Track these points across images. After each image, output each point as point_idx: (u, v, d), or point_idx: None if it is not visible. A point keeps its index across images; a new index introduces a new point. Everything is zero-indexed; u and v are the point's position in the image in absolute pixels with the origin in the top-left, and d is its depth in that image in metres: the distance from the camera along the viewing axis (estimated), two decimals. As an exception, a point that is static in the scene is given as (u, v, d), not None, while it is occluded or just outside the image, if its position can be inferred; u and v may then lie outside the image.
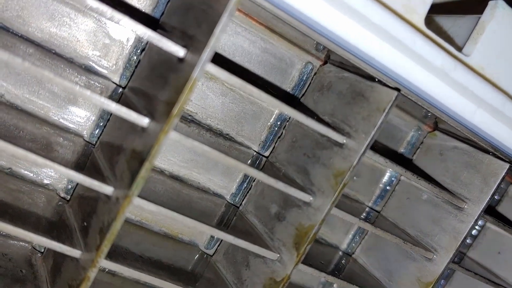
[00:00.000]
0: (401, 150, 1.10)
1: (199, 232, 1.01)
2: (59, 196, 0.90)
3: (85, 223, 0.80)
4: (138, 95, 0.82)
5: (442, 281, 1.19)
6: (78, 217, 0.83)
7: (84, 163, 0.86)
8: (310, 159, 0.88)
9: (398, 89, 0.79)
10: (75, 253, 0.75)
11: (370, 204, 1.11)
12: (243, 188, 1.00)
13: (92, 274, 0.73)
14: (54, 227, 0.86)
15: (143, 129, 0.73)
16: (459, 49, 0.81)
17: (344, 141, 0.83)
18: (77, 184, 0.90)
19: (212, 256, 1.01)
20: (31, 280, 0.84)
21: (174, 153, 0.95)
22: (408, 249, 0.99)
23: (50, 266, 0.85)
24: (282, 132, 0.98)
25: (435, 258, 0.96)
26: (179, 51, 0.70)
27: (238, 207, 1.00)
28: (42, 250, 0.89)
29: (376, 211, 1.11)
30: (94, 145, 0.89)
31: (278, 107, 0.79)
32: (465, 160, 0.98)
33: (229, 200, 1.00)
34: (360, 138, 0.82)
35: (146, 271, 0.80)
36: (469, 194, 0.95)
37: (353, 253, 1.12)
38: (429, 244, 0.97)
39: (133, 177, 0.70)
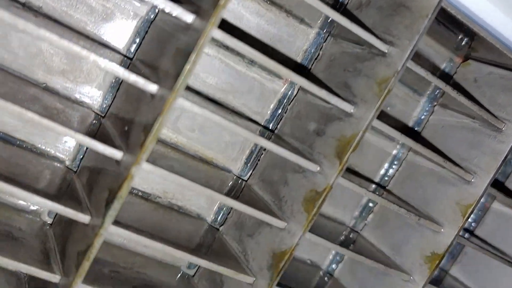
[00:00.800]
0: (432, 85, 1.09)
1: (232, 160, 1.00)
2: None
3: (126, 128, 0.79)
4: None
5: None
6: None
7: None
8: (351, 72, 0.87)
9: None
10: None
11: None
12: (277, 114, 0.99)
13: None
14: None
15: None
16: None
17: (387, 49, 0.82)
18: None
19: (246, 181, 1.00)
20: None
21: (210, 75, 0.94)
22: (446, 174, 0.98)
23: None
24: (318, 54, 0.97)
25: (474, 180, 0.94)
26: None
27: (274, 131, 0.99)
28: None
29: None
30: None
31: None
32: (501, 84, 0.97)
33: (264, 125, 0.99)
34: (403, 45, 0.81)
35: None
36: (508, 115, 0.94)
37: (386, 186, 1.11)
38: (468, 168, 0.96)
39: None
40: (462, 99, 0.89)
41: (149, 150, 0.71)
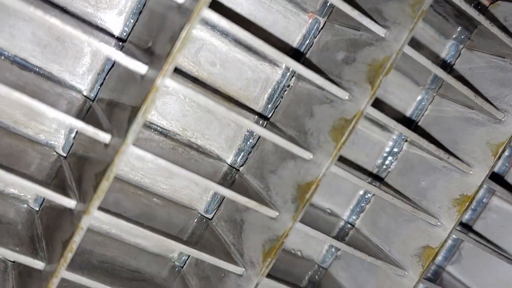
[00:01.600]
0: (458, 29, 1.05)
1: (254, 98, 0.96)
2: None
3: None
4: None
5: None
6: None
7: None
8: (382, -2, 0.84)
9: None
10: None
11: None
12: (302, 48, 0.96)
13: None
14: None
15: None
16: None
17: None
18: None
19: (269, 118, 0.97)
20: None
21: (234, 5, 0.91)
22: (475, 114, 0.95)
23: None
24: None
25: (506, 119, 0.91)
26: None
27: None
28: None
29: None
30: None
31: None
32: (534, 21, 0.94)
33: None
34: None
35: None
36: (539, 51, 0.91)
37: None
38: (499, 107, 0.92)
39: None
40: (495, 29, 0.86)
41: (174, 63, 0.68)
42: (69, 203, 0.75)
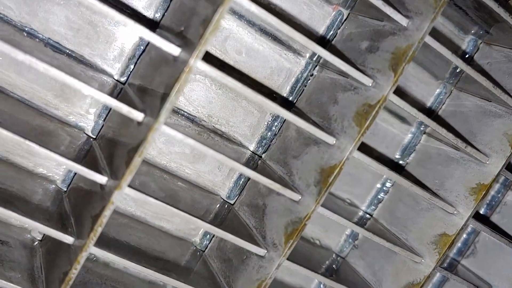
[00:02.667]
0: (477, 23, 1.07)
1: (278, 86, 0.99)
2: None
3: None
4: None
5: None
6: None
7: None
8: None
9: None
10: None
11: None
12: (326, 38, 0.98)
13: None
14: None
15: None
16: None
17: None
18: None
19: (295, 102, 1.00)
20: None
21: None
22: (493, 107, 0.97)
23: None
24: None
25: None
26: None
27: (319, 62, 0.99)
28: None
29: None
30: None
31: None
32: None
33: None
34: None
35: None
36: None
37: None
38: (516, 98, 0.94)
39: None
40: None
41: (206, 45, 0.70)
42: (101, 179, 0.77)
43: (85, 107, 0.91)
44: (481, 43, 1.05)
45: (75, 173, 0.92)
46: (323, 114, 0.91)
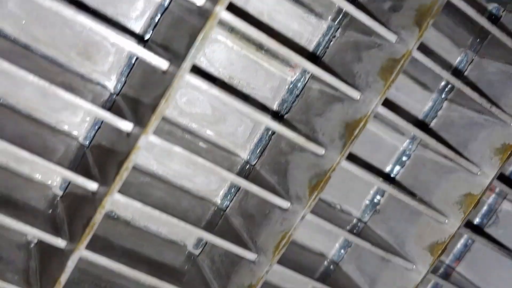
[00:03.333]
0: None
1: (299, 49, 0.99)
2: None
3: None
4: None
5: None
6: None
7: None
8: None
9: None
10: None
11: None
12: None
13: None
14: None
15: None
16: None
17: None
18: None
19: (322, 57, 1.00)
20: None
21: None
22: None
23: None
24: None
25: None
26: None
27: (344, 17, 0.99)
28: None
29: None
30: None
31: None
32: None
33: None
34: None
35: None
36: None
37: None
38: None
39: None
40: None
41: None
42: (127, 125, 0.78)
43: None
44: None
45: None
46: (348, 71, 0.90)
